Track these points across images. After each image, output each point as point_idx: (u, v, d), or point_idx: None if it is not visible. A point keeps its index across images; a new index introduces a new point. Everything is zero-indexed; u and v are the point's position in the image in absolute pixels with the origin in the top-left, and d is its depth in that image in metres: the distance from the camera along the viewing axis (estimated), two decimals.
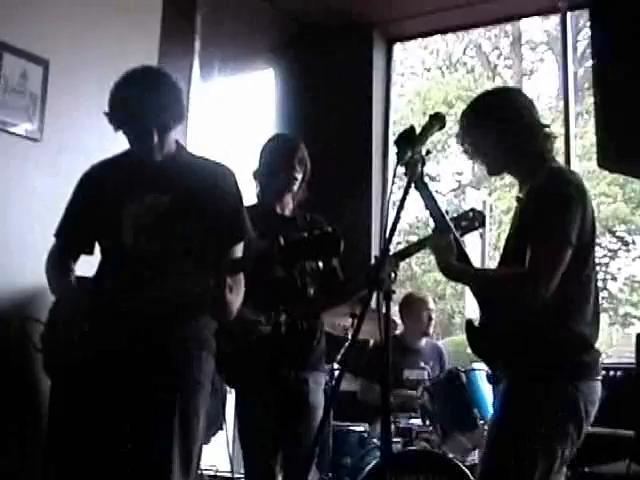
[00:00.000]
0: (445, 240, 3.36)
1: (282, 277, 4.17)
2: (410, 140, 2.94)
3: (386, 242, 2.82)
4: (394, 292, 2.95)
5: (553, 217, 3.12)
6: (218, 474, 6.21)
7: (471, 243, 5.06)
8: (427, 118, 3.12)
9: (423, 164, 3.00)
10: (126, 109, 3.41)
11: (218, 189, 3.53)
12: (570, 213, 3.12)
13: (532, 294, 3.10)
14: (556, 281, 3.06)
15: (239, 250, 3.53)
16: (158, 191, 3.48)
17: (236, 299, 3.47)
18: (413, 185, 2.99)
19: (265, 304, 4.16)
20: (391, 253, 4.13)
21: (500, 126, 3.32)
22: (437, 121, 3.08)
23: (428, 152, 3.04)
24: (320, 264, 4.34)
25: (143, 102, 3.38)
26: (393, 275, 4.00)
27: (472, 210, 3.89)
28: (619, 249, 15.05)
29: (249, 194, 3.82)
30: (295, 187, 4.46)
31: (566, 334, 3.18)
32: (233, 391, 4.64)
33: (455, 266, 3.35)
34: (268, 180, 4.48)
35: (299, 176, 4.45)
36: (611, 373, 5.21)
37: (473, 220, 3.89)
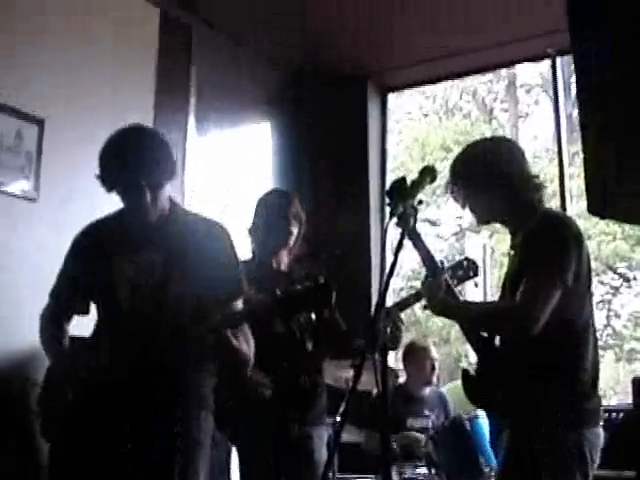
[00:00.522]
0: (437, 282, 3.41)
1: (281, 332, 4.17)
2: (401, 193, 2.93)
3: (381, 295, 2.81)
4: (395, 345, 2.97)
5: (548, 254, 3.12)
6: None
7: (471, 290, 5.06)
8: (421, 168, 3.12)
9: (415, 215, 3.00)
10: (116, 169, 3.42)
11: (212, 247, 3.52)
12: (567, 254, 3.12)
13: (521, 325, 3.11)
14: (546, 316, 3.04)
15: (238, 307, 3.52)
16: (151, 250, 3.48)
17: (246, 346, 3.46)
18: (406, 235, 2.98)
19: (267, 361, 4.15)
20: (390, 304, 4.16)
21: (489, 178, 3.33)
22: (428, 174, 3.07)
23: (420, 202, 3.04)
24: (313, 317, 4.34)
25: (133, 161, 3.40)
26: (396, 325, 4.04)
27: (466, 259, 3.92)
28: (621, 286, 15.05)
29: (244, 249, 3.81)
30: (291, 242, 4.46)
31: (569, 382, 3.15)
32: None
33: (445, 299, 3.40)
34: (263, 235, 4.47)
35: (294, 230, 4.45)
36: (613, 415, 5.20)
37: (468, 269, 3.91)
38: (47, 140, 5.02)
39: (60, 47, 5.18)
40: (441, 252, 14.92)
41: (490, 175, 3.32)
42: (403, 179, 3.01)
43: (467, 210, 3.51)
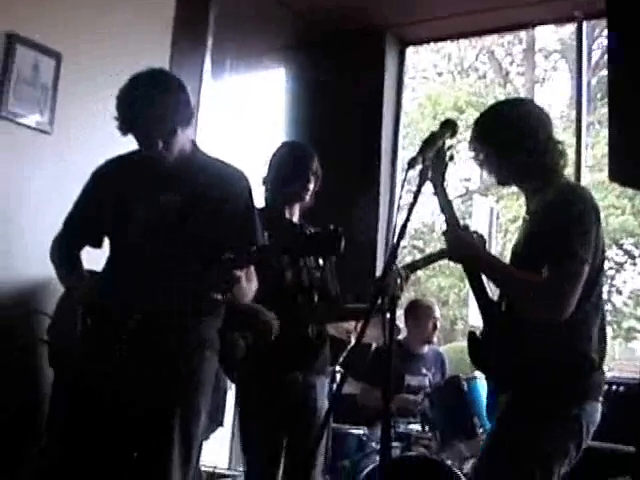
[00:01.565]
0: (468, 232, 3.32)
1: (290, 281, 4.21)
2: (423, 146, 2.92)
3: (394, 247, 2.81)
4: (399, 298, 2.94)
5: (573, 235, 3.07)
6: (216, 471, 6.21)
7: None
8: (437, 123, 3.10)
9: (446, 167, 3.00)
10: (132, 113, 3.41)
11: (231, 194, 3.54)
12: (589, 232, 3.09)
13: (552, 310, 3.07)
14: (575, 300, 3.03)
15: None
16: (170, 191, 3.48)
17: (250, 288, 3.52)
18: (433, 186, 2.99)
19: (275, 309, 4.18)
20: (402, 265, 4.17)
21: (515, 139, 3.26)
22: (449, 127, 3.06)
23: (452, 157, 3.04)
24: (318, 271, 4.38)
25: (147, 108, 3.38)
26: (400, 284, 4.02)
27: (475, 232, 3.85)
28: (625, 262, 15.00)
29: (257, 196, 3.82)
30: (307, 197, 4.50)
31: (574, 355, 3.14)
32: (233, 387, 4.65)
33: (480, 248, 3.30)
34: (280, 187, 4.49)
35: (311, 186, 4.48)
36: (613, 388, 5.21)
37: None
38: (64, 74, 5.00)
39: None
40: None
41: (519, 136, 3.26)
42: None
43: (480, 171, 3.49)
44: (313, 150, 4.62)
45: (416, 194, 2.80)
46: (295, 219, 4.54)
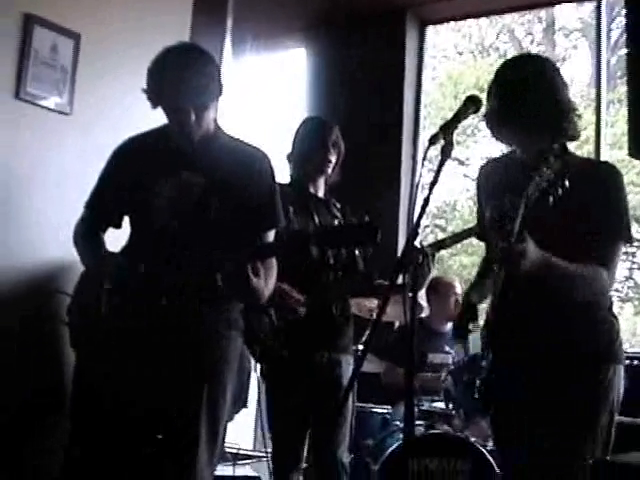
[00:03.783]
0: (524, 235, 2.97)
1: (316, 258, 4.21)
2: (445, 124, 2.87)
3: (415, 226, 2.78)
4: (426, 276, 2.91)
5: (622, 214, 3.11)
6: (241, 451, 6.22)
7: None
8: (458, 102, 3.04)
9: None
10: (165, 86, 3.40)
11: (254, 174, 3.53)
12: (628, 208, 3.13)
13: (607, 290, 3.15)
14: None
15: (270, 237, 3.54)
16: (193, 171, 3.48)
17: (266, 284, 3.47)
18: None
19: (300, 285, 4.18)
20: (428, 244, 4.16)
21: (544, 96, 3.20)
22: (472, 104, 2.98)
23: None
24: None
25: (182, 79, 3.36)
26: (423, 266, 3.99)
27: None
28: None
29: (280, 174, 3.82)
30: (329, 169, 4.52)
31: (607, 317, 3.21)
32: (258, 369, 4.66)
33: (540, 251, 2.98)
34: (302, 162, 4.53)
35: (333, 159, 4.51)
36: (635, 362, 5.20)
37: None
38: (82, 55, 4.97)
39: None
40: (468, 191, 14.85)
41: (550, 89, 3.21)
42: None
43: (501, 149, 3.43)
44: (334, 123, 4.64)
45: (437, 172, 2.75)
46: (320, 194, 4.55)
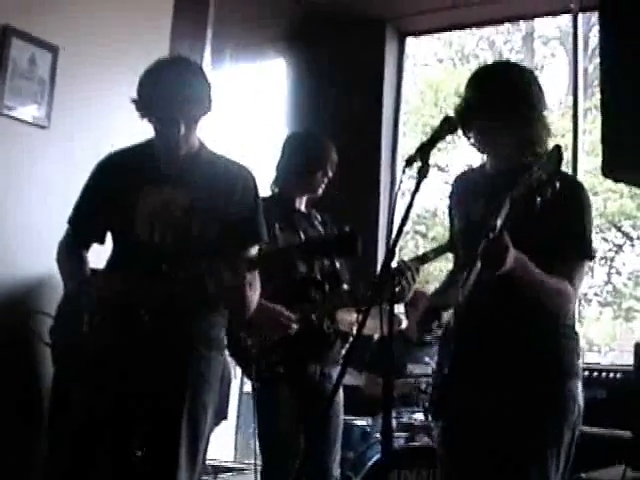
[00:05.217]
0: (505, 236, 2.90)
1: (304, 274, 4.21)
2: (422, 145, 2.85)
3: (393, 242, 2.76)
4: (400, 299, 2.87)
5: (588, 232, 3.11)
6: (222, 464, 6.23)
7: None
8: (438, 109, 3.02)
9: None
10: (158, 96, 3.40)
11: (237, 191, 3.52)
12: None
13: (572, 306, 3.12)
14: None
15: (253, 252, 3.53)
16: (177, 186, 3.47)
17: (254, 296, 3.49)
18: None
19: (289, 301, 4.19)
20: (411, 258, 4.15)
21: (523, 105, 3.16)
22: (447, 125, 2.91)
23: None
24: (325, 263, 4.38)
25: (177, 91, 3.38)
26: (407, 279, 3.97)
27: None
28: (624, 244, 15.06)
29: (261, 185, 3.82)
30: (321, 190, 4.50)
31: (571, 334, 3.16)
32: (238, 378, 4.65)
33: (524, 259, 2.94)
34: (295, 179, 4.49)
35: (326, 180, 4.49)
36: (610, 375, 5.22)
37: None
38: (61, 68, 4.96)
39: None
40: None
41: (524, 102, 3.17)
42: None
43: (482, 156, 3.38)
44: (329, 141, 4.60)
45: (413, 193, 2.73)
46: (303, 207, 4.54)
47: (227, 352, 4.09)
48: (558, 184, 2.86)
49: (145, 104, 3.46)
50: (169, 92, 3.39)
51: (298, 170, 4.49)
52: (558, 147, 3.00)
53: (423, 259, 4.22)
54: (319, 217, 4.59)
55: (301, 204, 4.55)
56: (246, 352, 4.16)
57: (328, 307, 4.38)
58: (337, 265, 4.48)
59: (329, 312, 4.39)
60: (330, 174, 4.49)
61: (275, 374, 4.25)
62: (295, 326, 4.17)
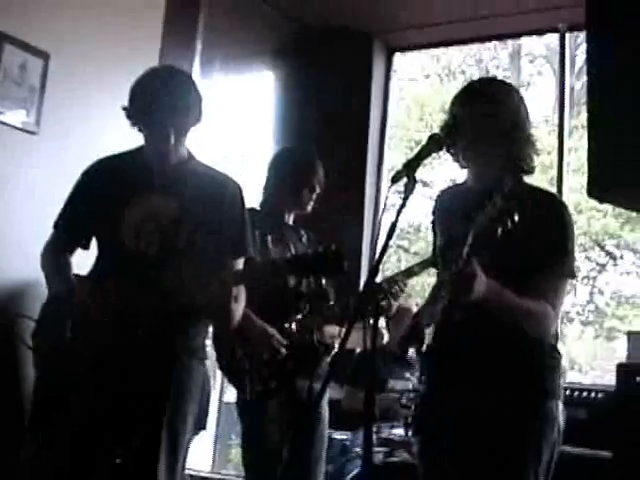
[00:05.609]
0: (474, 261, 2.90)
1: (292, 290, 4.23)
2: (408, 162, 2.85)
3: (378, 257, 2.76)
4: (386, 313, 2.88)
5: (568, 251, 3.11)
6: (201, 474, 6.22)
7: None
8: (424, 124, 3.03)
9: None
10: (149, 105, 3.42)
11: (225, 202, 3.53)
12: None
13: (553, 327, 3.12)
14: None
15: (239, 265, 3.54)
16: (164, 196, 3.48)
17: (239, 308, 3.50)
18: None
19: (277, 318, 4.21)
20: (398, 272, 4.17)
21: (512, 122, 3.18)
22: (434, 143, 2.95)
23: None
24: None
25: (168, 100, 3.40)
26: (393, 294, 3.99)
27: None
28: (607, 263, 15.06)
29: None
30: (310, 207, 4.55)
31: (552, 352, 3.17)
32: (218, 389, 4.65)
33: (489, 279, 2.91)
34: (284, 194, 4.52)
35: (315, 196, 4.54)
36: (592, 394, 5.24)
37: None
38: (51, 75, 4.97)
39: None
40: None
41: (509, 120, 3.18)
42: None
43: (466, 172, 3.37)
44: (317, 158, 4.65)
45: (399, 210, 2.75)
46: (291, 221, 4.56)
47: (217, 366, 4.12)
48: (517, 216, 2.85)
49: (136, 112, 3.48)
50: (160, 101, 3.41)
51: (286, 186, 4.52)
52: (520, 179, 3.06)
53: (409, 273, 4.25)
54: (305, 234, 4.61)
55: (289, 219, 4.58)
56: (239, 366, 4.17)
57: (318, 321, 4.40)
58: (323, 282, 4.51)
59: (319, 326, 4.41)
60: (318, 190, 4.52)
61: (268, 388, 4.26)
62: (284, 349, 4.19)
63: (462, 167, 3.32)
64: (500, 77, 16.21)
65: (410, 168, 2.80)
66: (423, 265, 4.29)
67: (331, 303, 4.47)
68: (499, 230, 2.86)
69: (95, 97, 4.96)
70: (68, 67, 5.03)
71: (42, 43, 4.92)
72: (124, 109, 3.49)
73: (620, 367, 4.81)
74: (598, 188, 2.40)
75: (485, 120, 3.17)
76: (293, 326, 4.30)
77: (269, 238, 4.27)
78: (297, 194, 4.50)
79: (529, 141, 3.22)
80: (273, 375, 4.24)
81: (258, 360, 4.20)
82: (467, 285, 2.85)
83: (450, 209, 3.39)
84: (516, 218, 2.84)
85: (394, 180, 2.79)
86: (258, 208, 4.45)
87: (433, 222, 3.55)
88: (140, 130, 3.52)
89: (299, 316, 4.34)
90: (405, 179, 2.78)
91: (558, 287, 3.10)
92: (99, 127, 4.56)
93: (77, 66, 5.08)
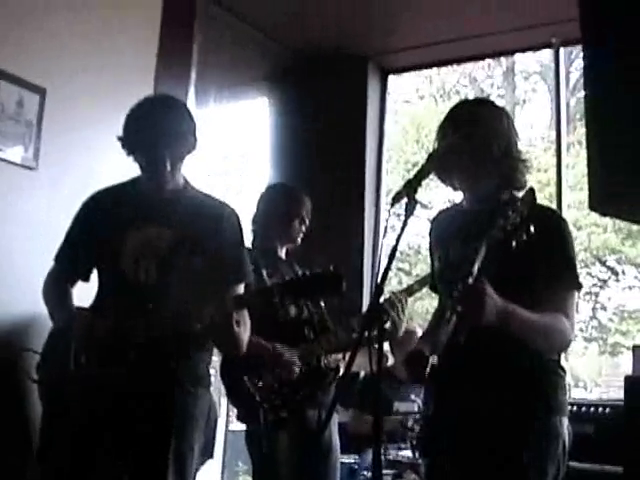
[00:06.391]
0: (483, 282, 2.86)
1: (295, 316, 4.23)
2: (408, 182, 2.86)
3: (382, 278, 2.77)
4: (395, 333, 2.87)
5: (573, 264, 3.11)
6: None
7: None
8: (420, 146, 3.05)
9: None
10: (144, 133, 3.43)
11: (222, 229, 3.55)
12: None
13: (568, 340, 3.10)
14: None
15: (239, 290, 3.55)
16: (162, 224, 3.49)
17: (244, 333, 3.50)
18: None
19: (287, 342, 4.21)
20: (399, 290, 4.17)
21: (502, 141, 3.19)
22: (433, 162, 2.96)
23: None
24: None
25: (162, 128, 3.41)
26: (398, 312, 3.99)
27: None
28: (609, 279, 15.07)
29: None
30: (299, 240, 4.62)
31: (557, 368, 3.16)
32: (224, 417, 4.65)
33: (503, 301, 2.87)
34: (271, 231, 4.58)
35: (303, 229, 4.61)
36: (599, 409, 5.23)
37: None
38: (48, 109, 4.98)
39: (63, 17, 5.14)
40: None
41: (498, 140, 3.18)
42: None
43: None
44: (303, 193, 4.71)
45: (401, 230, 2.75)
46: (283, 255, 4.59)
47: (222, 393, 4.11)
48: (532, 227, 2.86)
49: (131, 142, 3.49)
50: (154, 129, 3.43)
51: (276, 218, 4.58)
52: (532, 190, 3.03)
53: (409, 291, 4.27)
54: (298, 268, 4.62)
55: (282, 253, 4.62)
56: (250, 396, 4.16)
57: (325, 347, 4.40)
58: (322, 307, 4.52)
59: (327, 352, 4.41)
60: (307, 222, 4.55)
61: (279, 418, 4.25)
62: (297, 368, 4.19)
63: (455, 190, 3.32)
64: (495, 95, 16.34)
65: (410, 187, 2.81)
66: (423, 282, 4.30)
67: (333, 329, 4.47)
68: (514, 244, 2.85)
69: (92, 130, 4.96)
70: (64, 101, 5.04)
71: (38, 78, 4.92)
72: (119, 139, 3.50)
73: (628, 379, 4.80)
74: (599, 201, 2.39)
75: (475, 148, 3.16)
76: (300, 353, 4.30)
77: (264, 272, 4.28)
78: (288, 225, 4.54)
79: (520, 159, 3.22)
80: (283, 404, 4.23)
81: (268, 388, 4.19)
82: (479, 302, 2.82)
83: (446, 231, 3.38)
84: (532, 229, 2.85)
85: (395, 200, 2.80)
86: (251, 246, 4.46)
87: (430, 245, 3.54)
88: (136, 160, 3.53)
89: (304, 344, 4.34)
90: (405, 199, 2.79)
91: (569, 299, 3.09)
92: (97, 160, 4.56)
93: (73, 100, 5.09)
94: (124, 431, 3.34)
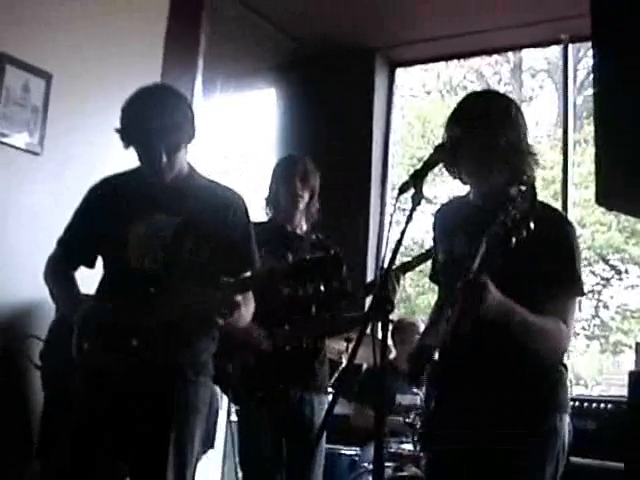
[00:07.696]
0: (484, 277, 2.86)
1: (288, 295, 4.21)
2: (415, 172, 2.85)
3: (389, 263, 2.76)
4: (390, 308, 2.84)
5: (577, 269, 3.09)
6: None
7: None
8: (426, 141, 3.03)
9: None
10: (138, 125, 3.40)
11: (229, 216, 3.53)
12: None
13: (566, 345, 3.10)
14: None
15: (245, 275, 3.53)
16: (167, 212, 3.47)
17: (247, 313, 3.50)
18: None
19: (270, 321, 4.20)
20: (395, 266, 4.14)
21: (515, 127, 3.16)
22: (440, 153, 2.98)
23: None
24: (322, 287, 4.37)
25: (156, 120, 3.37)
26: (392, 288, 3.98)
27: None
28: (612, 277, 15.04)
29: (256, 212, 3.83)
30: (301, 205, 4.51)
31: (557, 366, 3.15)
32: (225, 408, 4.65)
33: (501, 296, 2.87)
34: (276, 201, 4.53)
35: (302, 193, 4.49)
36: (601, 405, 5.22)
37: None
38: (54, 95, 4.99)
39: (71, 3, 5.15)
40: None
41: (508, 132, 3.14)
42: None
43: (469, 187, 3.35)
44: (304, 158, 4.66)
45: (407, 221, 2.74)
46: (299, 231, 4.57)
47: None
48: (532, 224, 2.82)
49: (126, 133, 3.46)
50: (148, 121, 3.37)
51: (275, 193, 4.58)
52: (532, 186, 3.00)
53: (404, 268, 4.24)
54: (315, 238, 4.58)
55: (295, 227, 4.58)
56: (227, 377, 4.16)
57: (311, 331, 4.39)
58: (327, 288, 4.48)
59: (315, 336, 4.40)
60: (302, 187, 4.51)
61: (255, 398, 4.26)
62: (265, 344, 4.19)
63: (463, 183, 3.29)
64: (501, 92, 16.29)
65: (417, 178, 2.81)
66: (419, 259, 4.27)
67: (327, 314, 4.47)
68: (513, 240, 2.82)
69: (97, 116, 4.95)
70: (70, 87, 5.05)
71: (44, 63, 4.93)
72: (117, 130, 3.47)
73: (632, 375, 4.79)
74: (606, 196, 2.38)
75: (483, 141, 3.14)
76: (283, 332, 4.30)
77: (263, 250, 4.26)
78: (282, 196, 4.51)
79: (529, 152, 3.19)
80: (259, 385, 4.24)
81: (245, 370, 4.20)
82: (477, 298, 2.81)
83: (451, 224, 3.36)
84: (532, 226, 2.82)
85: (402, 190, 2.79)
86: (263, 220, 4.46)
87: (434, 238, 3.52)
88: (135, 150, 3.51)
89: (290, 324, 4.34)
90: (412, 190, 2.78)
91: (570, 306, 3.08)
92: (102, 146, 4.54)
93: (79, 86, 5.10)
94: (125, 419, 3.32)
